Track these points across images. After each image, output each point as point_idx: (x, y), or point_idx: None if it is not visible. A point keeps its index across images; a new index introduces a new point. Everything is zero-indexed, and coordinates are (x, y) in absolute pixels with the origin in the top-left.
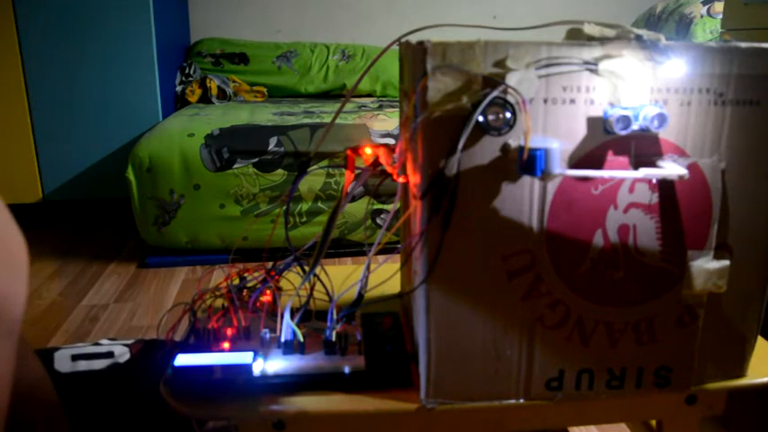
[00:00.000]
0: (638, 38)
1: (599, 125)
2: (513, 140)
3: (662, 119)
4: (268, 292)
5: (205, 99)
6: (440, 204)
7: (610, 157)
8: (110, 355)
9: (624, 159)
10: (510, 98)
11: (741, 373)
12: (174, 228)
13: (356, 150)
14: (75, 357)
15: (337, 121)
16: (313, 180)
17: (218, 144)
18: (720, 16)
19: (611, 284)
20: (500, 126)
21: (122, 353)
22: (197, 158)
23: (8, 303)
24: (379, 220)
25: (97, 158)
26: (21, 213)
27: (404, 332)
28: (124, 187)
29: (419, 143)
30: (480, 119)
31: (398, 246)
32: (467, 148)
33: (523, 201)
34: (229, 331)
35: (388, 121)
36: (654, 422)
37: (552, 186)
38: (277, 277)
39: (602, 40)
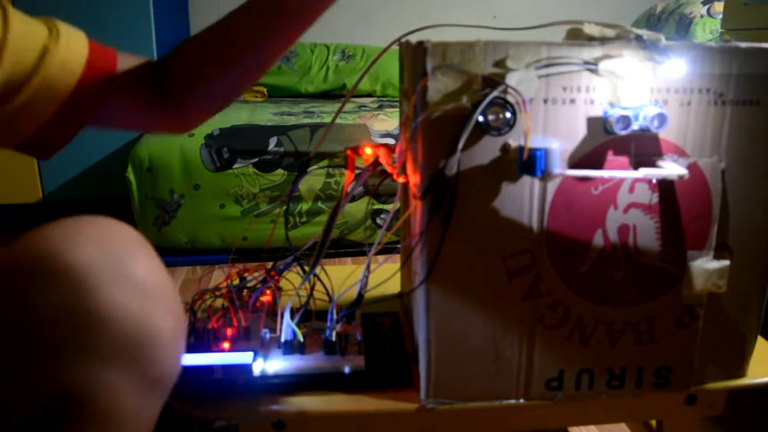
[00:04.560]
0: (638, 38)
1: (599, 125)
2: (513, 140)
3: (662, 119)
4: (268, 292)
5: None
6: (440, 204)
7: (610, 157)
8: None
9: (624, 159)
10: (510, 98)
11: (741, 373)
12: (174, 228)
13: (356, 150)
14: None
15: (337, 121)
16: (313, 180)
17: (218, 144)
18: (720, 16)
19: (611, 284)
20: (500, 126)
21: None
22: (197, 158)
23: (176, 369)
24: (379, 220)
25: (97, 158)
26: (21, 213)
27: (404, 332)
28: (124, 187)
29: (419, 143)
30: (480, 119)
31: (398, 246)
32: (467, 148)
33: (523, 201)
34: (229, 331)
35: (388, 121)
36: (654, 422)
37: (552, 186)
38: (277, 277)
39: (602, 40)
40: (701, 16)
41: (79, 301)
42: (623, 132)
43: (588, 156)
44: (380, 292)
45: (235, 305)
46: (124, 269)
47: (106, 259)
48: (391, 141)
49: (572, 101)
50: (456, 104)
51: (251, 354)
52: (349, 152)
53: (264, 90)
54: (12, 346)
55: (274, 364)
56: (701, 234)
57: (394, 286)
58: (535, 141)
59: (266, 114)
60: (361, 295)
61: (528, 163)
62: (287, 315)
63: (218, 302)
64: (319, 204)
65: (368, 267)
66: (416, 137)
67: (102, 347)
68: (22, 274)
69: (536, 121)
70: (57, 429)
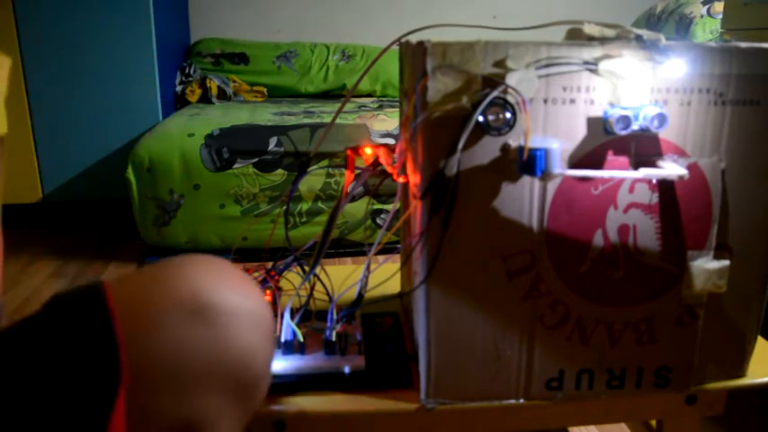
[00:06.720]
0: (638, 38)
1: (599, 125)
2: (513, 140)
3: (662, 119)
4: (268, 292)
5: (205, 99)
6: (440, 204)
7: (610, 157)
8: None
9: (624, 159)
10: (510, 98)
11: (741, 373)
12: (174, 228)
13: (356, 150)
14: None
15: (337, 121)
16: (313, 180)
17: (218, 144)
18: (720, 16)
19: (611, 284)
20: (500, 126)
21: None
22: (197, 158)
23: (264, 388)
24: (379, 220)
25: (97, 158)
26: (21, 213)
27: (404, 332)
28: (124, 187)
29: (419, 143)
30: (480, 119)
31: (398, 246)
32: (467, 148)
33: (523, 201)
34: None
35: (388, 121)
36: (654, 422)
37: (552, 186)
38: (277, 277)
39: (602, 40)
40: (701, 16)
41: (222, 340)
42: (623, 132)
43: (588, 156)
44: (380, 292)
45: None
46: (259, 311)
47: (246, 303)
48: (391, 141)
49: (572, 101)
50: (456, 104)
51: None
52: (349, 152)
53: (264, 90)
54: (157, 379)
55: (274, 364)
56: (701, 234)
57: (394, 286)
58: (535, 141)
59: (266, 114)
60: (361, 295)
61: (528, 163)
62: (287, 315)
63: None
64: (319, 204)
65: (368, 267)
66: (416, 137)
67: (227, 381)
68: (173, 310)
69: (536, 121)
70: None
